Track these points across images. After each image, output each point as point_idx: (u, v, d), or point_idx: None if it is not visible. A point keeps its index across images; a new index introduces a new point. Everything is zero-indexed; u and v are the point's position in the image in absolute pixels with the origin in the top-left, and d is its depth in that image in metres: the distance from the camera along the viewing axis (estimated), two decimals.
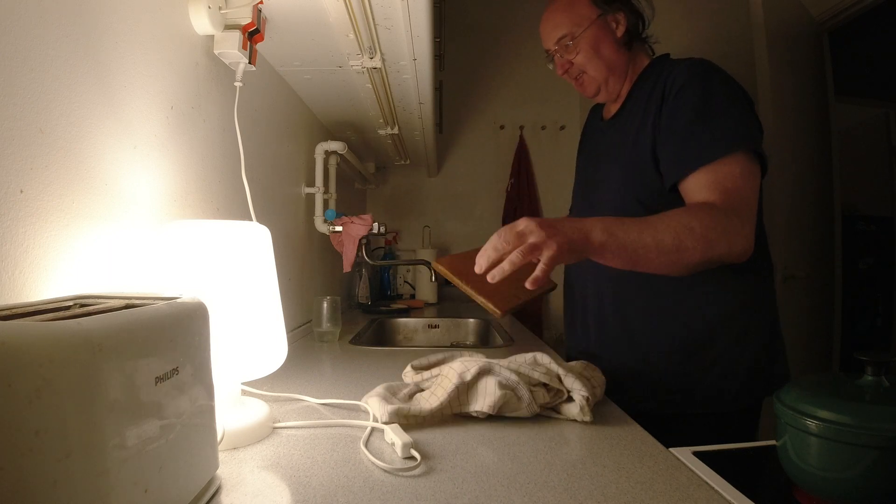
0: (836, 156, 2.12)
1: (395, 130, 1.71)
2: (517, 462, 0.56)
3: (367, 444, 0.60)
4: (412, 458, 0.56)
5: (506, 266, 0.72)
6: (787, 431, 0.51)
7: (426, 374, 0.82)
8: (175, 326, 0.41)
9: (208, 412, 0.46)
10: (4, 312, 0.35)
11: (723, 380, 0.94)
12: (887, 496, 0.45)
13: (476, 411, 0.69)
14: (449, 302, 2.37)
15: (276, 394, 0.80)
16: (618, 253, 0.77)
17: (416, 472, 0.53)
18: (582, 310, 1.11)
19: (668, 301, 0.96)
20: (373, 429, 0.65)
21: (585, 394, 0.70)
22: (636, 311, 1.00)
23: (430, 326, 1.80)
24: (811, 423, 0.48)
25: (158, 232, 0.67)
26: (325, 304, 1.29)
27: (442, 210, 2.70)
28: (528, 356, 0.81)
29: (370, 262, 1.73)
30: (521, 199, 2.59)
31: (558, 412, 0.72)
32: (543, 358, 0.79)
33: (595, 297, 1.06)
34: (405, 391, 0.76)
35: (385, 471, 0.53)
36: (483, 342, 1.74)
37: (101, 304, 0.41)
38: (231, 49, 0.84)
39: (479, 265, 0.75)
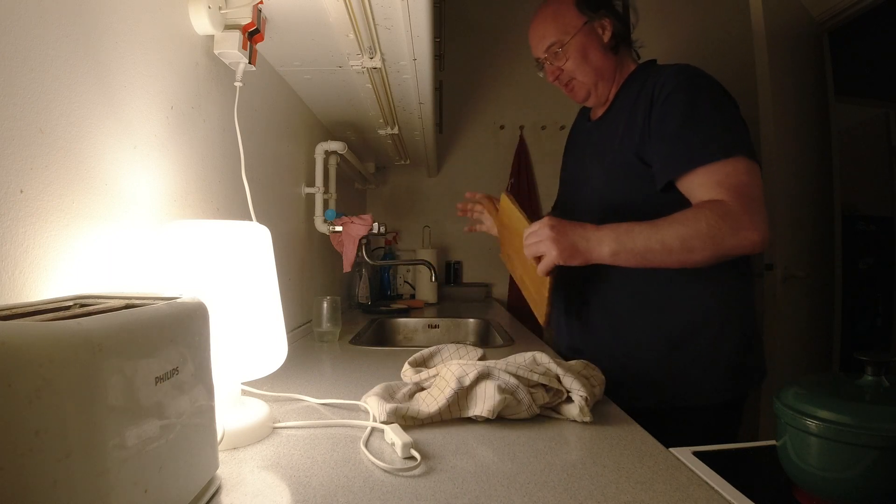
0: (836, 156, 2.12)
1: (395, 130, 1.71)
2: (517, 462, 0.56)
3: (367, 444, 0.60)
4: (412, 458, 0.56)
5: (524, 260, 0.92)
6: (787, 431, 0.51)
7: (424, 373, 0.82)
8: (175, 326, 0.41)
9: (208, 412, 0.46)
10: (4, 312, 0.35)
11: (704, 374, 0.96)
12: (887, 496, 0.45)
13: (475, 415, 0.69)
14: (449, 302, 2.37)
15: (276, 394, 0.80)
16: (629, 260, 0.88)
17: (416, 472, 0.53)
18: (566, 305, 1.13)
19: (652, 296, 0.99)
20: (373, 429, 0.65)
21: (584, 394, 0.70)
22: (620, 307, 1.02)
23: (430, 326, 1.80)
24: (811, 423, 0.48)
25: (158, 232, 0.67)
26: (325, 304, 1.29)
27: (442, 210, 2.70)
28: (528, 356, 0.81)
29: (370, 262, 1.73)
30: (521, 199, 2.58)
31: (558, 412, 0.72)
32: (542, 358, 0.79)
33: (579, 293, 1.08)
34: (404, 391, 0.76)
35: (385, 471, 0.53)
36: (483, 342, 1.74)
37: (101, 304, 0.41)
38: (231, 49, 0.84)
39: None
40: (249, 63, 0.89)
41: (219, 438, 0.51)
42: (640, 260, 0.88)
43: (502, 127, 2.68)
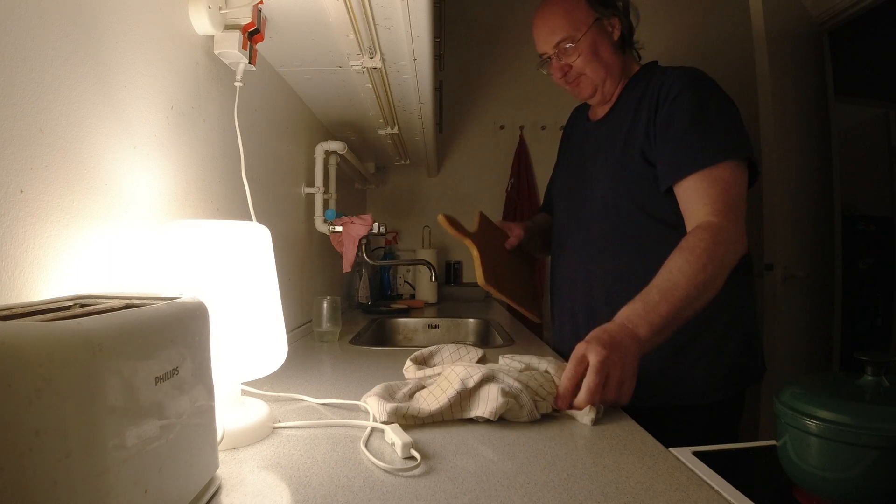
0: (836, 156, 2.12)
1: (395, 130, 1.71)
2: (517, 462, 0.56)
3: (367, 444, 0.60)
4: (412, 458, 0.56)
5: (586, 397, 0.69)
6: (787, 431, 0.51)
7: (428, 370, 0.82)
8: (175, 326, 0.41)
9: (208, 412, 0.46)
10: (4, 312, 0.35)
11: (707, 375, 0.97)
12: (887, 496, 0.45)
13: (476, 416, 0.69)
14: (449, 302, 2.37)
15: (276, 394, 0.80)
16: (665, 332, 0.80)
17: (416, 472, 0.53)
18: (570, 309, 1.12)
19: None
20: (373, 429, 0.65)
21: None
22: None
23: (430, 326, 1.80)
24: (811, 423, 0.48)
25: (158, 232, 0.67)
26: (325, 304, 1.29)
27: (442, 210, 2.69)
28: (535, 359, 0.82)
29: (370, 262, 1.73)
30: (521, 199, 2.59)
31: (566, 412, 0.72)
32: (550, 365, 0.79)
33: (585, 296, 1.07)
34: (405, 390, 0.76)
35: (385, 471, 0.53)
36: (483, 342, 1.74)
37: (101, 304, 0.41)
38: (231, 49, 0.84)
39: (566, 391, 0.72)
40: (249, 63, 0.89)
41: (219, 438, 0.51)
42: (674, 325, 0.80)
43: (502, 127, 2.68)
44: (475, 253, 1.13)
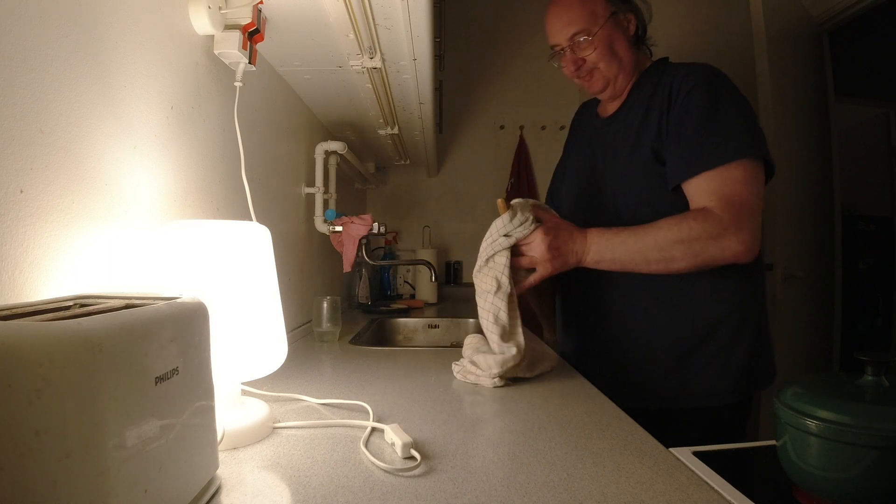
0: (836, 156, 2.12)
1: (395, 130, 1.71)
2: (517, 462, 0.56)
3: (367, 444, 0.60)
4: (412, 458, 0.56)
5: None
6: (787, 431, 0.51)
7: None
8: (175, 326, 0.41)
9: (208, 412, 0.46)
10: (4, 312, 0.35)
11: (718, 376, 0.96)
12: (887, 496, 0.45)
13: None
14: (449, 302, 2.37)
15: (276, 394, 0.80)
16: (609, 266, 0.92)
17: (416, 472, 0.53)
18: (580, 310, 1.11)
19: (670, 300, 0.98)
20: (373, 429, 0.65)
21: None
22: (638, 311, 1.01)
23: (430, 326, 1.80)
24: (811, 423, 0.48)
25: (158, 232, 0.67)
26: (325, 304, 1.29)
27: (442, 210, 2.71)
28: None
29: (370, 262, 1.73)
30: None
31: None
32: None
33: (596, 298, 1.06)
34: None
35: (385, 471, 0.53)
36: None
37: (101, 304, 0.41)
38: (231, 49, 0.84)
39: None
40: (249, 63, 0.89)
41: (219, 438, 0.51)
42: (620, 268, 0.92)
43: (502, 127, 2.68)
44: None
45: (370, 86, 1.30)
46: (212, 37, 0.85)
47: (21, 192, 0.48)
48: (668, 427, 0.72)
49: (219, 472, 0.51)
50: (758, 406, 1.91)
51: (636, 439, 0.63)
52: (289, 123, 1.33)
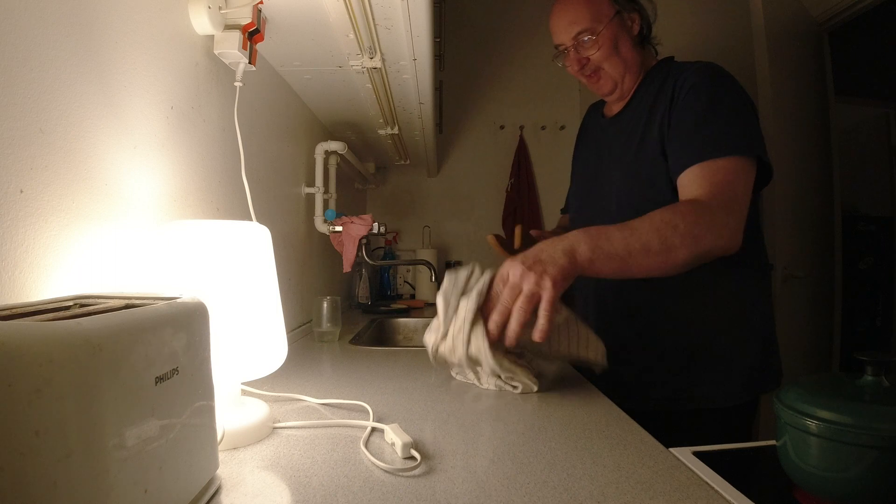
0: (836, 156, 2.12)
1: (395, 130, 1.71)
2: (517, 462, 0.56)
3: (367, 444, 0.60)
4: (412, 458, 0.56)
5: (513, 325, 0.72)
6: (787, 431, 0.51)
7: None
8: (175, 326, 0.41)
9: (208, 412, 0.46)
10: (4, 312, 0.35)
11: (724, 377, 0.95)
12: (887, 496, 0.45)
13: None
14: None
15: (276, 394, 0.80)
16: (607, 264, 0.78)
17: (416, 472, 0.53)
18: (584, 311, 1.11)
19: (673, 301, 0.98)
20: (373, 429, 0.65)
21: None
22: (641, 312, 1.01)
23: None
24: (811, 423, 0.48)
25: (158, 232, 0.67)
26: (325, 304, 1.29)
27: (442, 210, 2.70)
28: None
29: (370, 262, 1.73)
30: (521, 199, 2.59)
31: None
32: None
33: (597, 300, 1.06)
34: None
35: (385, 471, 0.53)
36: None
37: (101, 304, 0.41)
38: (231, 49, 0.84)
39: (493, 334, 0.75)
40: (249, 63, 0.89)
41: (219, 438, 0.51)
42: (618, 264, 0.78)
43: (502, 127, 2.68)
44: None
45: (370, 86, 1.30)
46: (212, 37, 0.85)
47: (21, 192, 0.48)
48: (676, 427, 0.72)
49: (219, 472, 0.51)
50: (758, 406, 1.91)
51: (636, 439, 0.63)
52: (289, 123, 1.33)
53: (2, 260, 0.45)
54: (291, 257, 1.35)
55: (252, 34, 0.87)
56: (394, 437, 0.59)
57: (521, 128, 2.65)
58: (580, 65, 1.04)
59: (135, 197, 0.66)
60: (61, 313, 0.36)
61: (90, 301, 0.42)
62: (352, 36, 1.03)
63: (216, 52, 0.85)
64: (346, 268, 1.55)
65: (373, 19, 0.98)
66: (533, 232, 1.23)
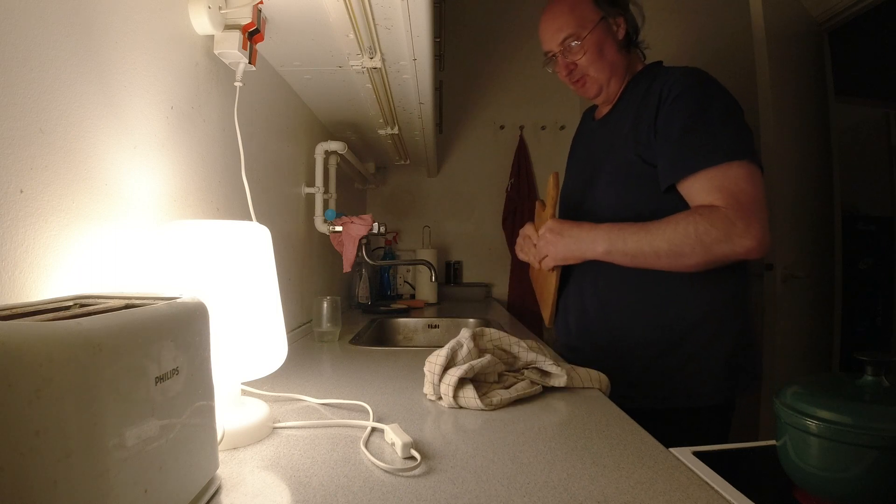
0: (836, 156, 2.12)
1: (395, 130, 1.71)
2: (517, 462, 0.56)
3: (367, 444, 0.60)
4: (412, 458, 0.56)
5: (530, 260, 1.11)
6: (787, 431, 0.51)
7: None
8: (175, 326, 0.41)
9: (208, 412, 0.46)
10: (4, 312, 0.35)
11: (696, 376, 0.96)
12: (887, 496, 0.45)
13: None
14: (449, 302, 2.37)
15: (276, 394, 0.80)
16: (620, 260, 0.95)
17: (416, 472, 0.53)
18: (564, 303, 1.13)
19: (647, 297, 0.98)
20: (373, 429, 0.65)
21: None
22: (616, 307, 1.01)
23: (430, 326, 1.80)
24: (811, 423, 0.48)
25: (158, 232, 0.67)
26: (325, 304, 1.29)
27: (442, 210, 2.70)
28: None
29: (370, 262, 1.73)
30: (521, 199, 2.59)
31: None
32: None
33: (577, 292, 1.08)
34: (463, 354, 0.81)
35: (385, 471, 0.53)
36: None
37: (101, 304, 0.41)
38: (231, 49, 0.84)
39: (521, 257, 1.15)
40: (249, 63, 0.89)
41: (219, 438, 0.51)
42: (630, 261, 0.93)
43: (502, 127, 2.68)
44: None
45: (370, 86, 1.30)
46: (212, 37, 0.85)
47: (21, 192, 0.48)
48: (645, 426, 0.72)
49: (219, 472, 0.51)
50: (758, 406, 1.91)
51: (636, 439, 0.63)
52: (289, 123, 1.33)
53: (2, 260, 0.45)
54: (291, 257, 1.35)
55: (252, 34, 0.87)
56: (394, 437, 0.59)
57: (521, 128, 2.66)
58: (568, 70, 1.07)
59: (135, 197, 0.66)
60: (61, 313, 0.36)
61: (90, 301, 0.42)
62: (352, 36, 1.03)
63: (216, 52, 0.85)
64: (346, 268, 1.55)
65: (373, 19, 0.98)
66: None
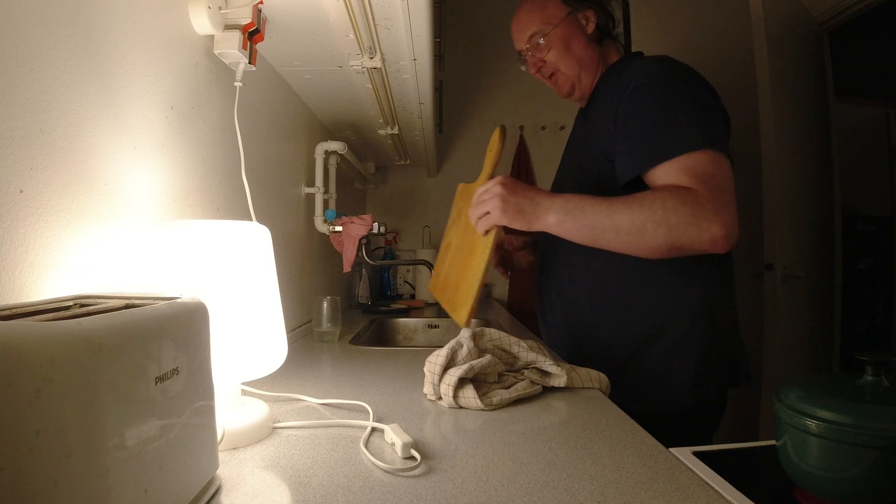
0: (836, 156, 2.12)
1: (395, 130, 1.71)
2: (517, 462, 0.56)
3: (367, 444, 0.60)
4: (412, 458, 0.56)
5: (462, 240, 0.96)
6: (787, 431, 0.51)
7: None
8: (175, 326, 0.41)
9: (208, 412, 0.46)
10: (4, 312, 0.35)
11: (668, 379, 0.92)
12: (887, 496, 0.45)
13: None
14: None
15: (276, 394, 0.80)
16: (573, 232, 0.83)
17: (416, 472, 0.53)
18: (541, 302, 1.12)
19: (617, 296, 0.95)
20: (373, 429, 0.65)
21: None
22: (583, 306, 0.99)
23: (430, 326, 1.80)
24: (811, 423, 0.48)
25: (158, 232, 0.67)
26: (325, 304, 1.29)
27: (442, 210, 2.70)
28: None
29: (370, 262, 1.73)
30: None
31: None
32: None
33: (549, 290, 1.07)
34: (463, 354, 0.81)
35: (385, 471, 0.53)
36: None
37: (101, 304, 0.41)
38: (231, 49, 0.84)
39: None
40: (249, 63, 0.89)
41: (219, 438, 0.51)
42: (587, 235, 0.83)
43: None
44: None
45: (370, 86, 1.30)
46: (212, 37, 0.85)
47: (21, 192, 0.48)
48: (645, 426, 0.71)
49: (219, 472, 0.51)
50: (758, 406, 1.91)
51: (636, 439, 0.63)
52: (289, 123, 1.33)
53: (2, 260, 0.45)
54: (291, 257, 1.35)
55: (252, 34, 0.87)
56: (394, 437, 0.59)
57: (521, 128, 2.66)
58: (536, 67, 1.06)
59: (135, 197, 0.66)
60: (61, 313, 0.36)
61: (90, 301, 0.42)
62: (352, 36, 1.03)
63: (216, 52, 0.85)
64: (346, 268, 1.55)
65: (373, 19, 0.98)
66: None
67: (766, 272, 1.86)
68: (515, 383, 0.80)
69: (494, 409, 0.74)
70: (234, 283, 0.61)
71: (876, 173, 2.83)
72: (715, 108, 0.87)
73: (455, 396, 0.74)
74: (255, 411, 0.65)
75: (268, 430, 0.64)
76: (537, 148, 2.66)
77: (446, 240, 1.11)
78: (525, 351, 0.85)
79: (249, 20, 0.85)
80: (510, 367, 0.85)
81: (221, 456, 0.56)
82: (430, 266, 1.82)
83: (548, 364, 0.82)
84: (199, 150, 0.83)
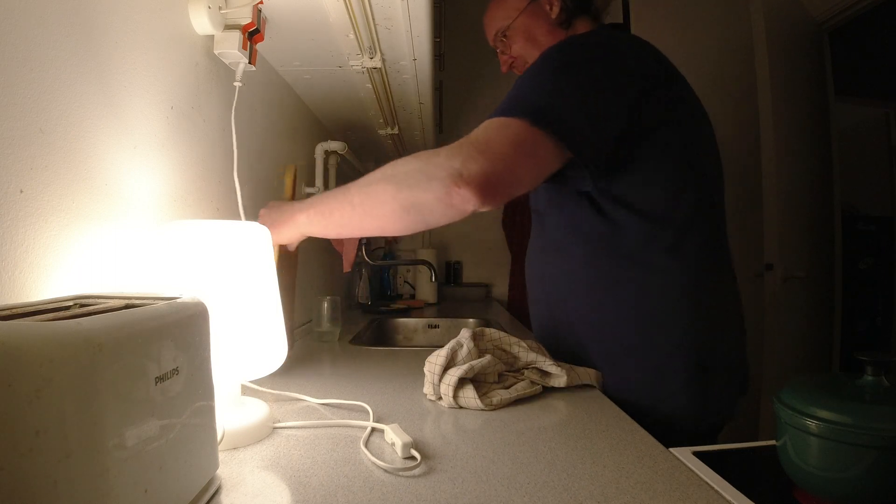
0: (836, 156, 2.12)
1: (395, 130, 1.71)
2: (517, 462, 0.56)
3: (367, 444, 0.60)
4: (412, 458, 0.56)
5: None
6: (787, 431, 0.51)
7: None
8: (175, 326, 0.41)
9: (208, 412, 0.46)
10: (4, 312, 0.35)
11: (653, 381, 0.83)
12: (887, 496, 0.45)
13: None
14: (449, 302, 2.37)
15: (276, 393, 0.80)
16: (322, 225, 0.79)
17: (416, 472, 0.53)
18: (544, 305, 1.04)
19: (598, 295, 0.87)
20: (373, 429, 0.65)
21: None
22: (560, 315, 0.94)
23: (430, 326, 1.81)
24: (811, 423, 0.48)
25: (158, 232, 0.67)
26: (325, 304, 1.29)
27: None
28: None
29: (370, 262, 1.73)
30: (521, 199, 2.58)
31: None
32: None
33: (530, 282, 1.06)
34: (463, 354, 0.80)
35: (385, 471, 0.53)
36: None
37: (101, 304, 0.41)
38: (231, 49, 0.84)
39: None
40: (249, 63, 0.89)
41: (219, 438, 0.51)
42: (332, 223, 0.77)
43: None
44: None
45: (370, 86, 1.30)
46: (212, 37, 0.85)
47: (21, 192, 0.48)
48: (645, 426, 0.69)
49: (219, 472, 0.51)
50: (758, 406, 1.91)
51: (636, 439, 0.63)
52: (289, 123, 1.33)
53: (2, 260, 0.45)
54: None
55: (252, 34, 0.87)
56: (394, 437, 0.59)
57: None
58: (507, 65, 1.04)
59: (135, 197, 0.66)
60: (61, 313, 0.36)
61: (90, 301, 0.42)
62: (352, 36, 1.03)
63: (216, 52, 0.85)
64: (346, 268, 1.55)
65: (373, 19, 0.98)
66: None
67: (767, 272, 1.86)
68: (515, 383, 0.80)
69: (494, 409, 0.74)
70: (234, 283, 0.61)
71: (876, 173, 2.84)
72: (586, 87, 0.77)
73: (455, 396, 0.74)
74: (255, 411, 0.65)
75: (268, 430, 0.64)
76: None
77: None
78: (525, 351, 0.85)
79: (249, 20, 0.85)
80: (510, 367, 0.85)
81: (221, 456, 0.56)
82: (431, 266, 1.82)
83: (548, 364, 0.82)
84: (200, 150, 0.83)
